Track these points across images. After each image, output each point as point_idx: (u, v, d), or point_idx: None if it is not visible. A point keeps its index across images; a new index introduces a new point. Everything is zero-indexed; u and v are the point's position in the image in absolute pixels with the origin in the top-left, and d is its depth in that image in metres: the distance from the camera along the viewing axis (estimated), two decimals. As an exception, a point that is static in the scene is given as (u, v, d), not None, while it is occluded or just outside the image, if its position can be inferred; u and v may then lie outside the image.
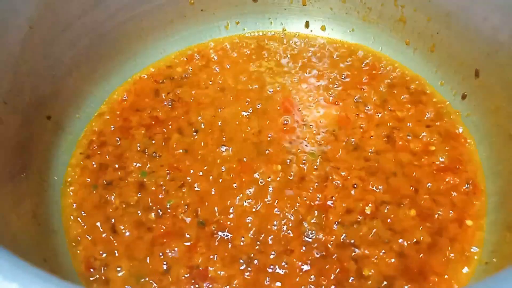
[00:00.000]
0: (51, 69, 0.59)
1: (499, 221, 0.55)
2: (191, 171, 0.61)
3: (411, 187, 0.59)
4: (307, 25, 0.79)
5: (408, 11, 0.68)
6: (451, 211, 0.57)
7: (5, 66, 0.51)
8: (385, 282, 0.52)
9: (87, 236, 0.56)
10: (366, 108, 0.68)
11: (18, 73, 0.52)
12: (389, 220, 0.56)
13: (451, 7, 0.61)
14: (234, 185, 0.60)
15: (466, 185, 0.59)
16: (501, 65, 0.56)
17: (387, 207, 0.58)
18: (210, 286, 0.52)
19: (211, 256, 0.54)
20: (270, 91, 0.71)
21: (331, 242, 0.55)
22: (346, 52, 0.76)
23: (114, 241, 0.56)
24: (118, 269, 0.54)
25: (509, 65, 0.55)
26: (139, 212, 0.58)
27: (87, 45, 0.65)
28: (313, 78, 0.73)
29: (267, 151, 0.64)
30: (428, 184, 0.60)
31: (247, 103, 0.69)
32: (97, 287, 0.53)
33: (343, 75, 0.73)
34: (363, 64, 0.74)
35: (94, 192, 0.60)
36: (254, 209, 0.58)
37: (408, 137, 0.64)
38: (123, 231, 0.57)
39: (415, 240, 0.55)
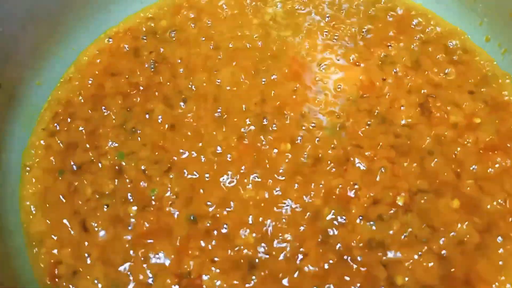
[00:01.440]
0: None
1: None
2: (180, 151, 0.52)
3: (453, 171, 0.49)
4: (320, -36, 0.65)
5: None
6: (502, 201, 0.47)
7: None
8: (422, 293, 0.43)
9: (52, 236, 0.48)
10: (394, 70, 0.57)
11: None
12: (426, 214, 0.47)
13: None
14: (233, 169, 0.50)
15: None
16: None
17: (424, 197, 0.48)
18: (205, 300, 0.43)
19: (206, 261, 0.45)
20: (274, 49, 0.59)
21: (355, 242, 0.45)
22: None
23: (86, 242, 0.47)
24: (90, 278, 0.45)
25: None
26: (114, 206, 0.48)
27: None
28: (328, 33, 0.61)
29: (273, 126, 0.53)
30: (473, 166, 0.50)
31: (247, 65, 0.58)
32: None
33: (365, 29, 0.60)
34: (389, 15, 0.61)
35: (60, 178, 0.51)
36: (258, 200, 0.48)
37: (448, 107, 0.53)
38: (96, 229, 0.48)
39: (459, 239, 0.46)
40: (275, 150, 0.51)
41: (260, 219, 0.47)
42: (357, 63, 0.58)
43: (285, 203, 0.48)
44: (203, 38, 0.61)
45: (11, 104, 0.52)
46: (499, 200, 0.48)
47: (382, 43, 0.59)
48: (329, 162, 0.50)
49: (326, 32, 0.61)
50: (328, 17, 0.63)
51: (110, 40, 0.61)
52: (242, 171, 0.50)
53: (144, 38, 0.61)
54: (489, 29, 0.58)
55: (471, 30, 0.59)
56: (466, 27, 0.60)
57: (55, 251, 0.46)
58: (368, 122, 0.53)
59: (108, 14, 0.61)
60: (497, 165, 0.49)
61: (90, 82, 0.57)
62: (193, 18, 0.63)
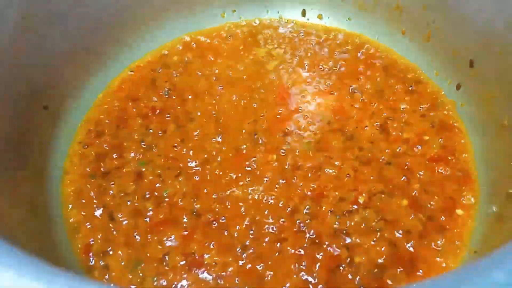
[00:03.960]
0: (45, 59, 0.60)
1: (489, 211, 0.56)
2: (188, 160, 0.62)
3: (403, 177, 0.60)
4: (303, 13, 0.79)
5: (405, 0, 0.68)
6: (442, 201, 0.58)
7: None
8: (376, 270, 0.53)
9: (86, 224, 0.58)
10: (361, 98, 0.68)
11: (12, 64, 0.52)
12: (381, 210, 0.57)
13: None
14: (230, 174, 0.61)
15: (458, 174, 0.60)
16: (495, 55, 0.57)
17: (381, 197, 0.59)
18: (205, 272, 0.53)
19: (207, 244, 0.55)
20: (265, 80, 0.71)
21: (324, 231, 0.56)
22: (342, 41, 0.76)
23: (113, 229, 0.57)
24: (117, 255, 0.55)
25: (503, 56, 0.55)
26: (136, 202, 0.59)
27: (82, 35, 0.65)
28: (309, 67, 0.73)
29: (262, 141, 0.64)
30: (420, 173, 0.60)
31: (242, 93, 0.70)
32: (96, 273, 0.54)
33: (339, 64, 0.73)
34: (359, 53, 0.74)
35: (92, 181, 0.61)
36: (249, 198, 0.59)
37: (402, 127, 0.65)
38: (121, 219, 0.58)
39: (406, 229, 0.56)
40: (264, 160, 0.63)
41: (252, 212, 0.58)
42: (331, 92, 0.69)
43: (270, 201, 0.59)
44: (207, 71, 0.73)
45: (55, 123, 0.63)
46: (440, 200, 0.58)
47: (352, 76, 0.71)
48: (306, 169, 0.61)
49: (307, 66, 0.74)
50: (310, 54, 0.76)
51: (132, 72, 0.75)
52: (237, 176, 0.61)
53: (160, 70, 0.73)
54: (438, 65, 0.69)
55: (424, 66, 0.70)
56: (421, 64, 0.71)
57: (88, 236, 0.56)
58: (338, 139, 0.65)
59: (131, 51, 0.74)
60: (439, 173, 0.61)
61: (116, 106, 0.69)
62: (199, 55, 0.76)
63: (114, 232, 0.57)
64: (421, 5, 0.66)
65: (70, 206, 0.59)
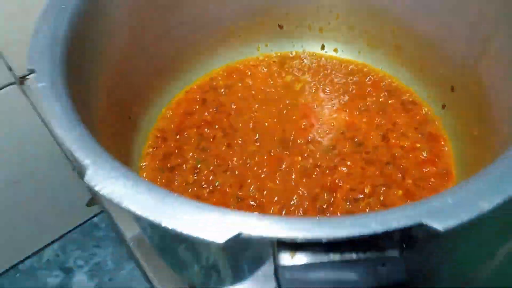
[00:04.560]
0: (131, 80, 0.80)
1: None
2: (234, 159, 0.80)
3: (399, 174, 0.78)
4: (322, 47, 0.98)
5: (401, 39, 0.88)
6: (429, 192, 0.75)
7: (103, 84, 0.71)
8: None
9: None
10: (368, 114, 0.87)
11: (113, 88, 0.73)
12: (381, 198, 0.75)
13: (431, 38, 0.80)
14: (265, 171, 0.79)
15: (442, 172, 0.78)
16: (468, 83, 0.75)
17: (382, 189, 0.76)
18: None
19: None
20: (292, 100, 0.90)
21: (338, 213, 0.74)
22: (354, 69, 0.95)
23: None
24: None
25: (474, 84, 0.74)
26: (195, 189, 0.78)
27: (155, 64, 0.86)
28: (327, 89, 0.92)
29: (290, 147, 0.82)
30: (413, 171, 0.78)
31: (274, 109, 0.89)
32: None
33: (351, 88, 0.92)
34: (367, 79, 0.93)
35: (162, 174, 0.80)
36: (280, 189, 0.77)
37: (400, 137, 0.83)
38: None
39: None
40: (291, 161, 0.81)
41: (281, 200, 0.75)
42: (344, 110, 0.87)
43: (296, 192, 0.78)
44: (246, 92, 0.91)
45: (135, 130, 0.80)
46: (427, 191, 0.75)
47: (361, 97, 0.88)
48: (324, 168, 0.79)
49: (327, 89, 0.94)
50: (328, 80, 0.95)
51: (187, 93, 0.95)
52: (271, 172, 0.78)
53: (209, 91, 0.93)
54: (429, 90, 0.84)
55: (418, 90, 0.86)
56: (415, 88, 0.86)
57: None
58: (350, 145, 0.83)
59: (186, 76, 0.91)
60: (427, 171, 0.79)
61: (176, 119, 0.88)
62: (239, 79, 0.94)
63: (180, 211, 0.76)
64: (414, 45, 0.85)
65: (145, 192, 0.79)
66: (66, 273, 1.26)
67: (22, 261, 1.25)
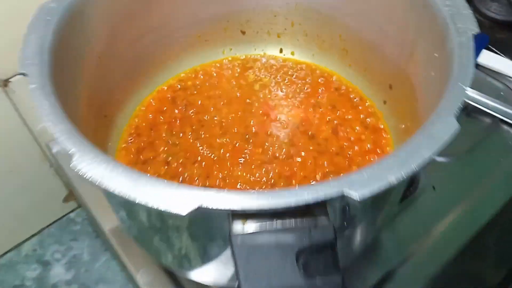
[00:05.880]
0: (107, 83, 0.88)
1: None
2: (201, 152, 0.89)
3: (347, 162, 0.89)
4: (281, 50, 1.08)
5: (348, 44, 0.99)
6: None
7: (84, 85, 0.80)
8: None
9: None
10: (320, 110, 0.98)
11: (91, 90, 0.81)
12: None
13: (372, 42, 0.92)
14: (228, 162, 0.88)
15: (382, 160, 0.90)
16: (402, 82, 0.87)
17: (331, 175, 0.88)
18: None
19: None
20: (253, 98, 1.00)
21: (293, 197, 0.85)
22: (308, 70, 1.06)
23: None
24: None
25: (405, 83, 0.86)
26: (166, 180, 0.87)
27: (129, 68, 0.94)
28: (285, 89, 1.02)
29: (251, 140, 0.92)
30: (358, 159, 0.90)
31: (238, 107, 0.97)
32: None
33: (306, 87, 1.03)
34: (320, 79, 1.04)
35: (136, 166, 0.89)
36: (244, 176, 0.86)
37: (348, 131, 0.95)
38: None
39: None
40: (253, 152, 0.91)
41: (246, 186, 0.86)
42: (300, 106, 0.98)
43: (258, 179, 0.87)
44: (212, 92, 0.99)
45: (110, 127, 0.87)
46: None
47: (314, 95, 0.98)
48: (282, 158, 0.89)
49: (284, 89, 1.04)
50: (286, 80, 1.06)
51: (159, 92, 1.03)
52: (236, 162, 0.87)
53: (178, 91, 1.01)
54: (372, 88, 0.95)
55: (364, 89, 0.95)
56: (361, 87, 0.95)
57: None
58: (304, 138, 0.94)
59: (157, 78, 0.98)
60: (370, 160, 0.91)
61: (148, 116, 0.96)
62: (206, 80, 1.02)
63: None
64: (359, 48, 0.97)
65: (121, 183, 0.87)
66: (44, 266, 1.32)
67: (1, 256, 1.31)
